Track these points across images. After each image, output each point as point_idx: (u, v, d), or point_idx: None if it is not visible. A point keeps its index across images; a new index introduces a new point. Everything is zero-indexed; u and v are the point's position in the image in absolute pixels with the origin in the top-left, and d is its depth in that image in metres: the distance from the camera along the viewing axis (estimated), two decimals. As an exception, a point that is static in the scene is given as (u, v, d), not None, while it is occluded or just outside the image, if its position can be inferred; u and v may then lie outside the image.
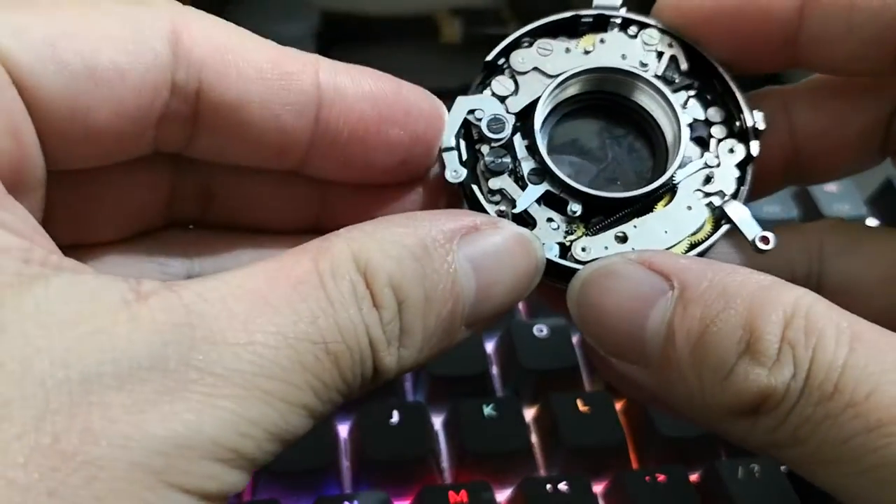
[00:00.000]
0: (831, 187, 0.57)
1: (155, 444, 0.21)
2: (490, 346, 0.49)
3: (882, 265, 0.34)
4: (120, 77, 0.27)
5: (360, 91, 0.30)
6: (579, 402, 0.44)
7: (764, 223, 0.32)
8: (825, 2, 0.31)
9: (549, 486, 0.41)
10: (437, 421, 0.45)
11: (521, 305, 0.50)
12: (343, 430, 0.45)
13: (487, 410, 0.44)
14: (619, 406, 0.46)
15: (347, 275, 0.25)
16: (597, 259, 0.30)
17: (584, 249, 0.31)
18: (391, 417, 0.43)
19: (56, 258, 0.23)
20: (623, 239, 0.32)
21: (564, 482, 0.41)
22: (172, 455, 0.21)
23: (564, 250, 0.31)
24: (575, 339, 0.48)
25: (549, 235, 0.32)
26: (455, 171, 0.32)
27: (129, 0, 0.28)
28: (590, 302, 0.29)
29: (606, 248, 0.31)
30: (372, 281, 0.25)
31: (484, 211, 0.32)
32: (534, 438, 0.44)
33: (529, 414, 0.46)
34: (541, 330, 0.47)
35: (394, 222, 0.27)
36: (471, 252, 0.27)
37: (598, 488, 0.42)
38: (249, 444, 0.23)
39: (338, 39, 0.65)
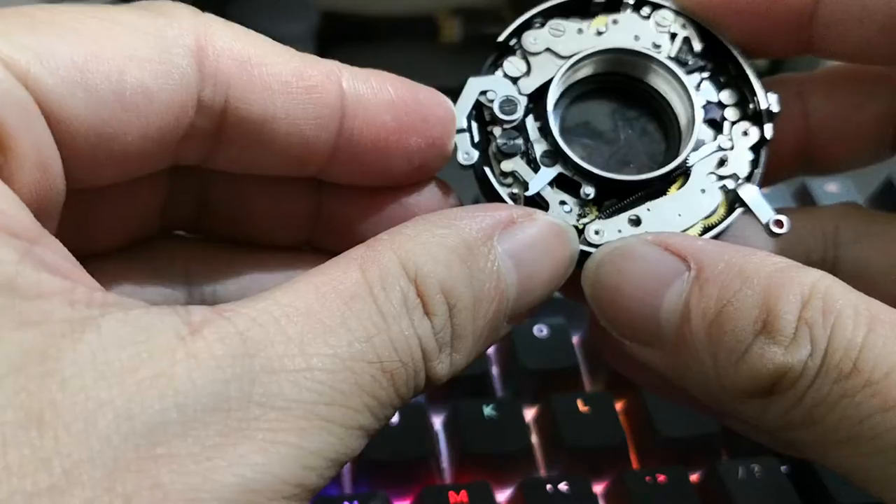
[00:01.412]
0: (832, 187, 0.57)
1: (225, 493, 0.21)
2: (490, 347, 0.49)
3: None
4: (148, 99, 0.26)
5: (381, 101, 0.30)
6: (579, 403, 0.44)
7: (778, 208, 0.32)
8: None
9: (549, 487, 0.41)
10: (438, 421, 0.45)
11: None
12: (343, 430, 0.45)
13: (487, 411, 0.43)
14: (619, 406, 0.46)
15: (398, 284, 0.25)
16: (611, 241, 0.30)
17: (597, 232, 0.31)
18: (391, 417, 0.43)
19: (100, 295, 0.23)
20: (636, 222, 0.32)
21: (565, 482, 0.41)
22: (242, 502, 0.21)
23: (577, 233, 0.31)
24: (575, 340, 0.48)
25: (561, 219, 0.31)
26: (467, 154, 0.32)
27: (150, 9, 0.28)
28: (605, 283, 0.29)
29: (620, 231, 0.31)
30: (423, 289, 0.25)
31: (497, 194, 0.32)
32: (534, 439, 0.44)
33: (529, 414, 0.46)
34: (541, 330, 0.47)
35: (434, 223, 0.27)
36: (510, 246, 0.28)
37: (598, 488, 0.42)
38: (312, 476, 0.23)
39: (338, 39, 0.65)
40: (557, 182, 0.32)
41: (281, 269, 0.34)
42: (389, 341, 0.24)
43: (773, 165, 0.33)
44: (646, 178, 0.32)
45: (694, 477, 0.43)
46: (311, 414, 0.22)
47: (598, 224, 0.31)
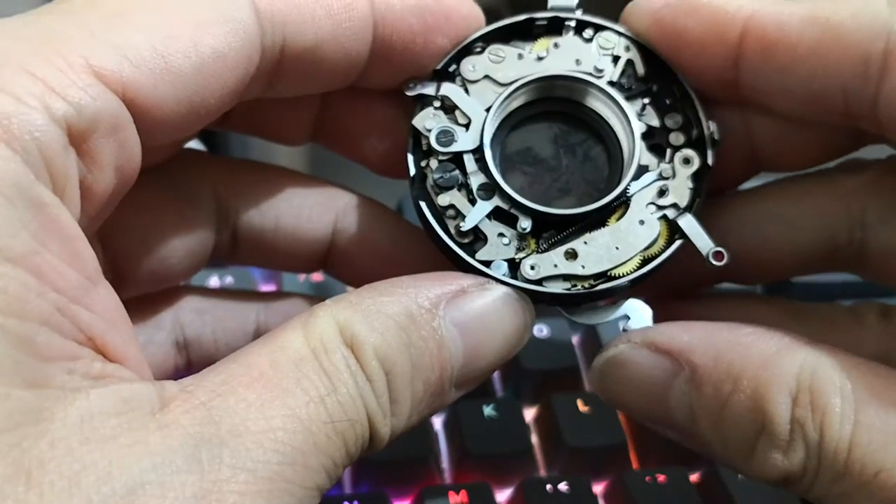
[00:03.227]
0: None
1: None
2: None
3: None
4: (222, 62, 0.28)
5: (406, 4, 0.31)
6: (580, 403, 0.44)
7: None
8: (756, 62, 0.31)
9: (549, 487, 0.41)
10: (437, 421, 0.45)
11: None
12: (343, 430, 0.45)
13: (488, 411, 0.43)
14: (619, 406, 0.46)
15: (338, 349, 0.26)
16: (605, 346, 0.31)
17: (532, 267, 0.31)
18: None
19: (98, 366, 0.24)
20: (573, 255, 0.31)
21: (565, 483, 0.41)
22: None
23: (514, 267, 0.31)
24: (575, 340, 0.48)
25: (499, 251, 0.31)
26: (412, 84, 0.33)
27: None
28: (611, 391, 0.30)
29: (556, 265, 0.31)
30: (359, 354, 0.26)
31: (433, 229, 0.31)
32: (534, 439, 0.44)
33: (530, 414, 0.46)
34: (541, 330, 0.47)
35: (378, 290, 0.28)
36: (457, 316, 0.28)
37: (598, 489, 0.42)
38: None
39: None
40: (495, 214, 0.32)
41: (291, 190, 0.36)
42: (338, 403, 0.25)
43: (721, 178, 0.33)
44: (582, 212, 0.31)
45: (694, 477, 0.43)
46: (276, 475, 0.23)
47: (534, 259, 0.31)
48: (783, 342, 0.27)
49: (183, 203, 0.35)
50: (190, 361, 0.37)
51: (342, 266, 0.37)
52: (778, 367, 0.27)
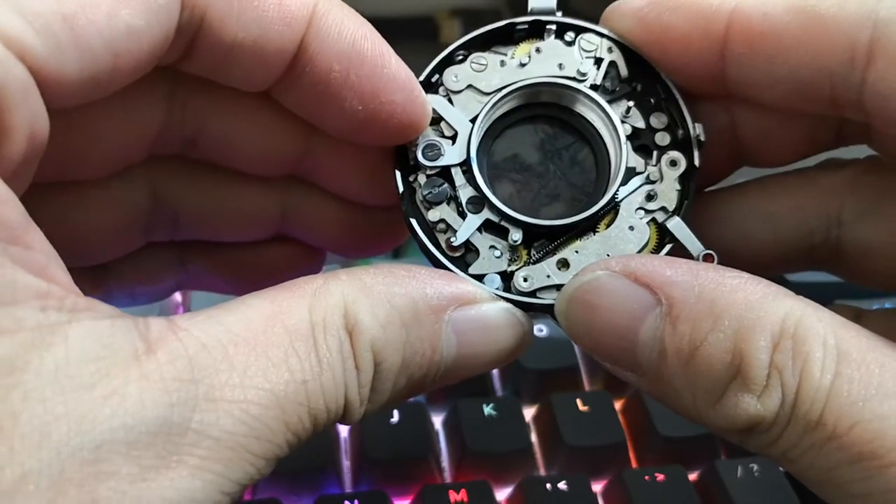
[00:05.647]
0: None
1: None
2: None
3: None
4: (136, 41, 0.26)
5: (346, 45, 0.29)
6: (579, 402, 0.44)
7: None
8: (742, 54, 0.30)
9: (548, 486, 0.41)
10: (438, 420, 0.45)
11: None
12: (343, 429, 0.45)
13: (487, 410, 0.44)
14: (618, 406, 0.46)
15: (336, 332, 0.26)
16: (580, 272, 0.29)
17: (525, 279, 0.31)
18: (391, 417, 0.43)
19: (72, 299, 0.23)
20: (565, 265, 0.31)
21: (564, 482, 0.41)
22: None
23: (507, 279, 0.31)
24: (574, 339, 0.48)
25: (492, 264, 0.31)
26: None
27: None
28: (578, 319, 0.29)
29: (549, 276, 0.31)
30: (356, 342, 0.26)
31: (424, 244, 0.31)
32: (534, 438, 0.45)
33: (529, 413, 0.46)
34: (541, 330, 0.48)
35: (393, 278, 0.28)
36: (460, 322, 0.28)
37: (597, 487, 0.43)
38: (226, 500, 0.24)
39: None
40: (486, 226, 0.32)
41: (239, 197, 0.35)
42: (320, 387, 0.25)
43: (707, 173, 0.33)
44: (571, 222, 0.31)
45: (693, 476, 0.43)
46: (240, 446, 0.24)
47: (526, 271, 0.31)
48: (770, 289, 0.27)
49: (114, 188, 0.34)
50: None
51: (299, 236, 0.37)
52: (763, 311, 0.26)
